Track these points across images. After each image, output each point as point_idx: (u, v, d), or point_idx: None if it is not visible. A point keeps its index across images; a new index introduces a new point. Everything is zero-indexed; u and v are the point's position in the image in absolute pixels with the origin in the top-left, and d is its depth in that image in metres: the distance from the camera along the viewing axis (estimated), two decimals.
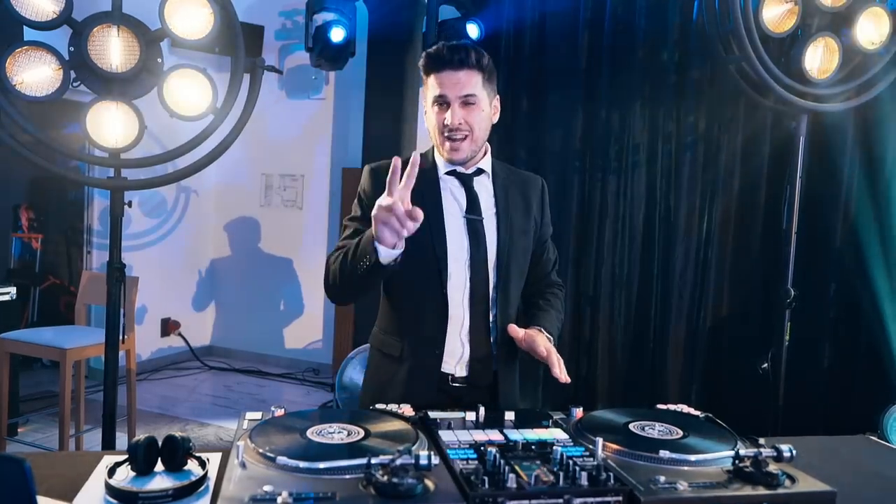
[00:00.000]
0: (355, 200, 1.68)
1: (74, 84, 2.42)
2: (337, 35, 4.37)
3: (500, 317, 1.64)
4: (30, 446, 3.64)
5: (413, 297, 1.64)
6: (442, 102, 1.58)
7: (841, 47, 2.79)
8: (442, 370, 1.62)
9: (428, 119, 1.65)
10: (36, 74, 2.33)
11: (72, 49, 2.40)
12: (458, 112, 1.56)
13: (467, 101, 1.56)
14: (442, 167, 1.67)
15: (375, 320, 1.76)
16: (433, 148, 1.69)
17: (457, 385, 1.62)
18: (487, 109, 1.62)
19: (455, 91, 1.55)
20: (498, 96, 1.67)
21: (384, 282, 1.67)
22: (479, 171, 1.69)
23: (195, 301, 5.91)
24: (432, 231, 1.59)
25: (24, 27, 2.40)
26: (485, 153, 1.70)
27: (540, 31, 4.01)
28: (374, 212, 1.34)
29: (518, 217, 1.69)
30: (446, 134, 1.58)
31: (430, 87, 1.60)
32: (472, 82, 1.56)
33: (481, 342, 1.63)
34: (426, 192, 1.56)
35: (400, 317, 1.68)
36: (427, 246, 1.57)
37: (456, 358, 1.63)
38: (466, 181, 1.66)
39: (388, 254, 1.37)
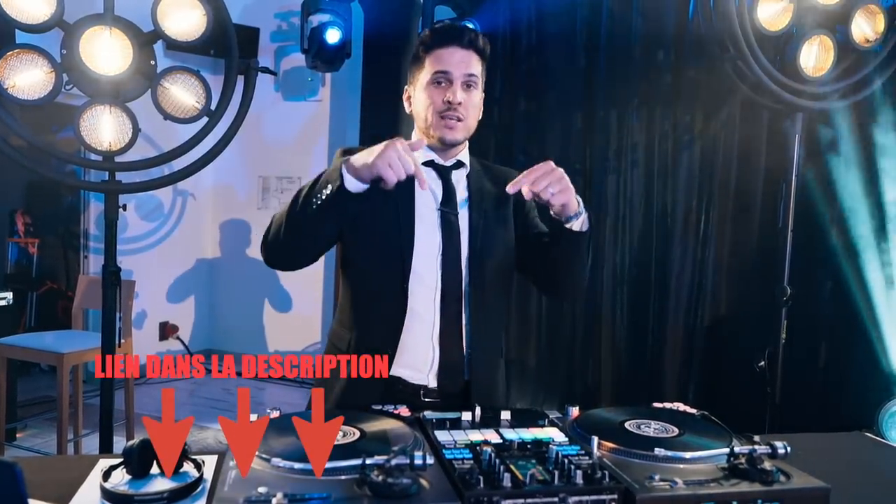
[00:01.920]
0: None
1: (67, 87, 2.41)
2: (332, 36, 4.37)
3: (473, 319, 1.50)
4: (28, 451, 3.63)
5: (371, 288, 1.53)
6: (443, 80, 1.48)
7: (836, 45, 2.79)
8: (414, 382, 1.49)
9: (418, 102, 1.54)
10: (28, 78, 2.31)
11: (64, 52, 2.38)
12: (459, 91, 1.48)
13: (469, 83, 1.50)
14: (419, 157, 1.53)
15: None
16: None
17: (429, 400, 1.48)
18: (481, 99, 1.57)
19: (460, 69, 1.48)
20: (483, 95, 1.61)
21: (344, 270, 1.57)
22: (459, 164, 1.60)
23: (193, 304, 5.90)
24: (401, 221, 1.48)
25: (16, 30, 2.39)
26: (465, 144, 1.62)
27: (537, 32, 4.01)
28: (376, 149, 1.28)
29: (492, 206, 1.56)
30: (444, 113, 1.49)
31: (429, 65, 1.50)
32: (474, 65, 1.51)
33: (453, 346, 1.50)
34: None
35: (355, 305, 1.55)
36: (392, 236, 1.46)
37: (428, 365, 1.49)
38: (444, 174, 1.57)
39: (355, 185, 1.31)
